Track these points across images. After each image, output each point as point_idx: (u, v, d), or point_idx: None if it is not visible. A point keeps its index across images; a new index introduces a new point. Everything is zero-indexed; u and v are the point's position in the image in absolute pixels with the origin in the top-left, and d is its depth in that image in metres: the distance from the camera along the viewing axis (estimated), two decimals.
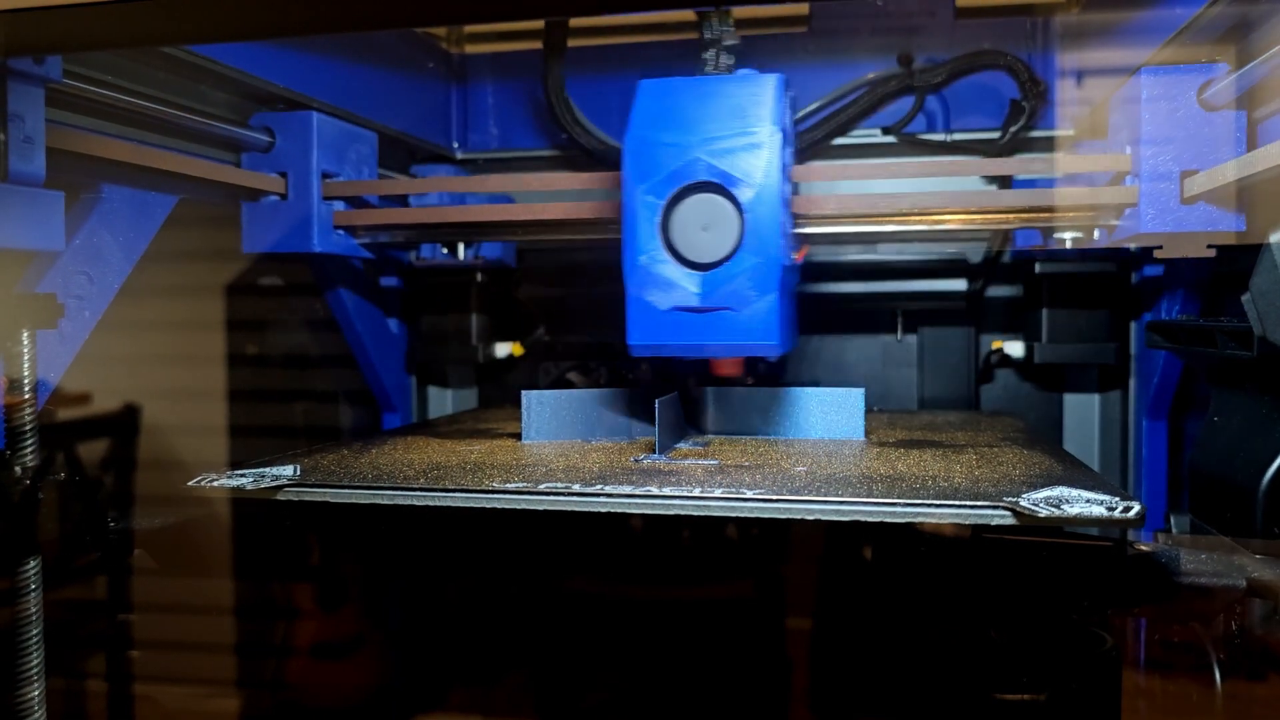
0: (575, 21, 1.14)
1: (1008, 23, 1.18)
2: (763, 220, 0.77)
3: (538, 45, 1.14)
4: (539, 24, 1.21)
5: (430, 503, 0.66)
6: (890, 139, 1.20)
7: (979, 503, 0.60)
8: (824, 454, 0.80)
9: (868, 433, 0.91)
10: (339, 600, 1.03)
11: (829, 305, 1.23)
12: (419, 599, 1.06)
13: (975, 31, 1.17)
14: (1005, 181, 1.16)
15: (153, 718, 0.93)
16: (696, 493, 0.64)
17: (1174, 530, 0.94)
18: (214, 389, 1.09)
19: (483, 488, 0.66)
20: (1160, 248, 0.94)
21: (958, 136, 1.19)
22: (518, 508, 0.65)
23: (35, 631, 0.71)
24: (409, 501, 0.66)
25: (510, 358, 1.30)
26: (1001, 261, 1.21)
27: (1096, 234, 1.01)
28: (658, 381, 0.94)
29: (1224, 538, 0.78)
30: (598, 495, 0.64)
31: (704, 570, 0.94)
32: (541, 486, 0.65)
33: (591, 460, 0.77)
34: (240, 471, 0.70)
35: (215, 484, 0.69)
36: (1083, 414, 1.22)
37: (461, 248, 1.22)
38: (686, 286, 0.78)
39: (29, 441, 0.71)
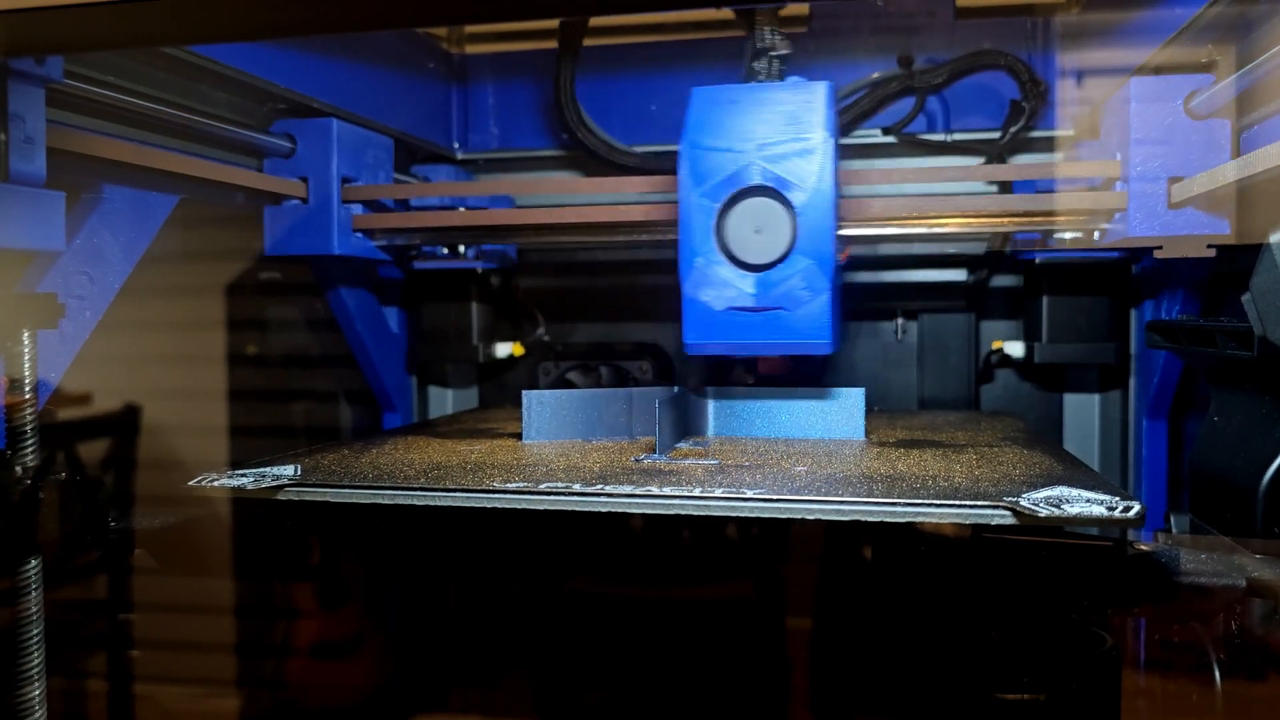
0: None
1: (1008, 23, 1.18)
2: (815, 223, 0.80)
3: (538, 45, 1.14)
4: (539, 24, 1.22)
5: (431, 503, 0.66)
6: (890, 139, 1.20)
7: (979, 503, 0.60)
8: (824, 454, 0.80)
9: (868, 433, 0.91)
10: (339, 600, 1.03)
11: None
12: (419, 599, 1.06)
13: (975, 31, 1.18)
14: (1006, 185, 1.16)
15: (153, 717, 0.93)
16: (697, 493, 0.64)
17: (1174, 530, 0.94)
18: (214, 389, 1.09)
19: (483, 487, 0.66)
20: (1160, 247, 0.95)
21: (958, 137, 1.19)
22: (518, 507, 0.65)
23: (36, 631, 0.71)
24: (409, 501, 0.66)
25: (510, 358, 1.30)
26: (1001, 262, 1.21)
27: (1097, 235, 1.01)
28: (706, 377, 0.96)
29: (1224, 538, 0.78)
30: (598, 495, 0.64)
31: (704, 570, 0.94)
32: (542, 486, 0.65)
33: (592, 460, 0.77)
34: (241, 471, 0.70)
35: (216, 484, 0.69)
36: (1083, 414, 1.23)
37: (462, 247, 1.22)
38: (741, 287, 0.81)
39: (29, 441, 0.71)
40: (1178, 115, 0.90)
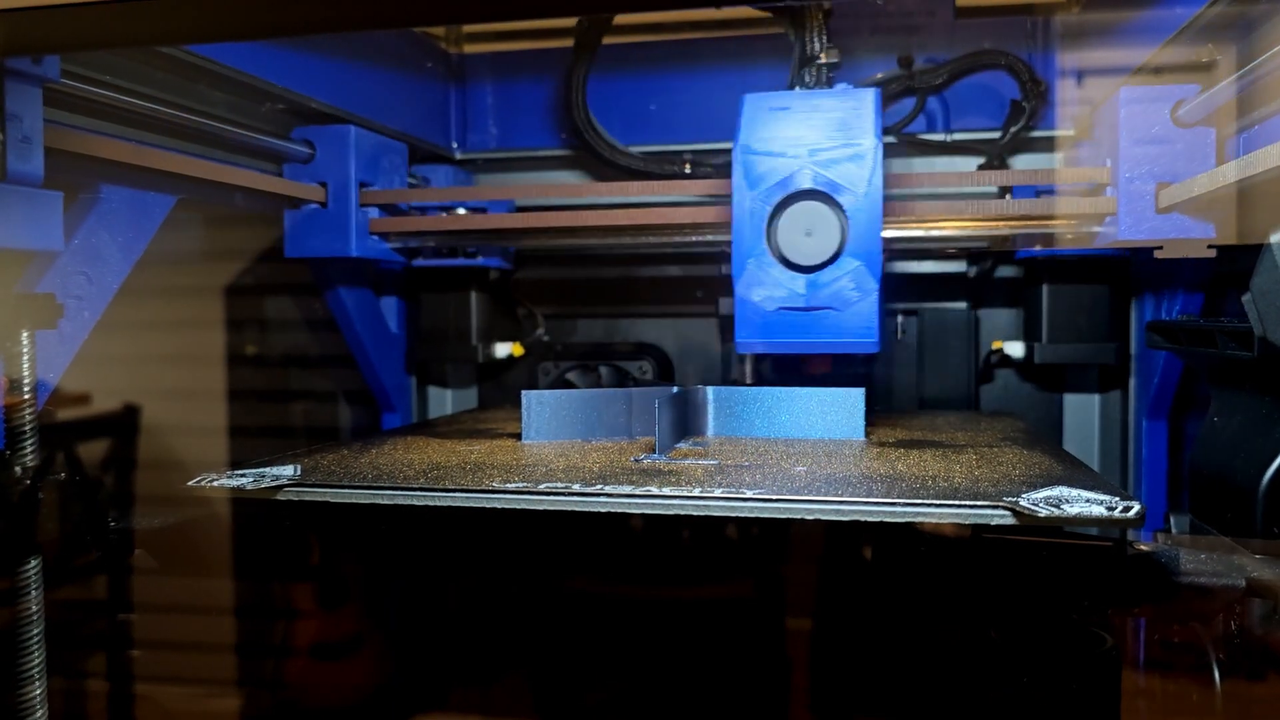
0: (572, 22, 1.14)
1: (1008, 23, 1.18)
2: (864, 225, 0.83)
3: (536, 45, 1.14)
4: (537, 24, 1.21)
5: (430, 503, 0.66)
6: (891, 139, 1.20)
7: (979, 503, 0.60)
8: (824, 454, 0.80)
9: (867, 433, 0.91)
10: (339, 600, 1.03)
11: None
12: (419, 599, 1.06)
13: (975, 31, 1.17)
14: (1005, 187, 1.16)
15: (153, 717, 0.93)
16: (696, 493, 0.64)
17: (1174, 530, 0.94)
18: (214, 389, 1.10)
19: (483, 488, 0.66)
20: (1160, 248, 0.95)
21: (958, 137, 1.19)
22: (518, 508, 0.65)
23: (36, 631, 0.71)
24: (409, 501, 0.66)
25: (510, 358, 1.30)
26: (1002, 262, 1.21)
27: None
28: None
29: (1224, 538, 0.78)
30: (598, 495, 0.64)
31: (704, 570, 0.94)
32: (541, 486, 0.65)
33: (591, 460, 0.77)
34: (240, 471, 0.70)
35: (215, 484, 0.69)
36: (1083, 414, 1.23)
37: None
38: (792, 288, 0.84)
39: (29, 441, 0.71)
40: (1165, 123, 0.93)
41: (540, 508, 0.64)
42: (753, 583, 0.94)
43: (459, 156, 1.31)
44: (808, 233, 0.83)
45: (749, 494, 0.63)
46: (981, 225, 1.00)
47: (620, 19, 1.19)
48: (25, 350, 0.71)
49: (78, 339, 0.78)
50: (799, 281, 0.84)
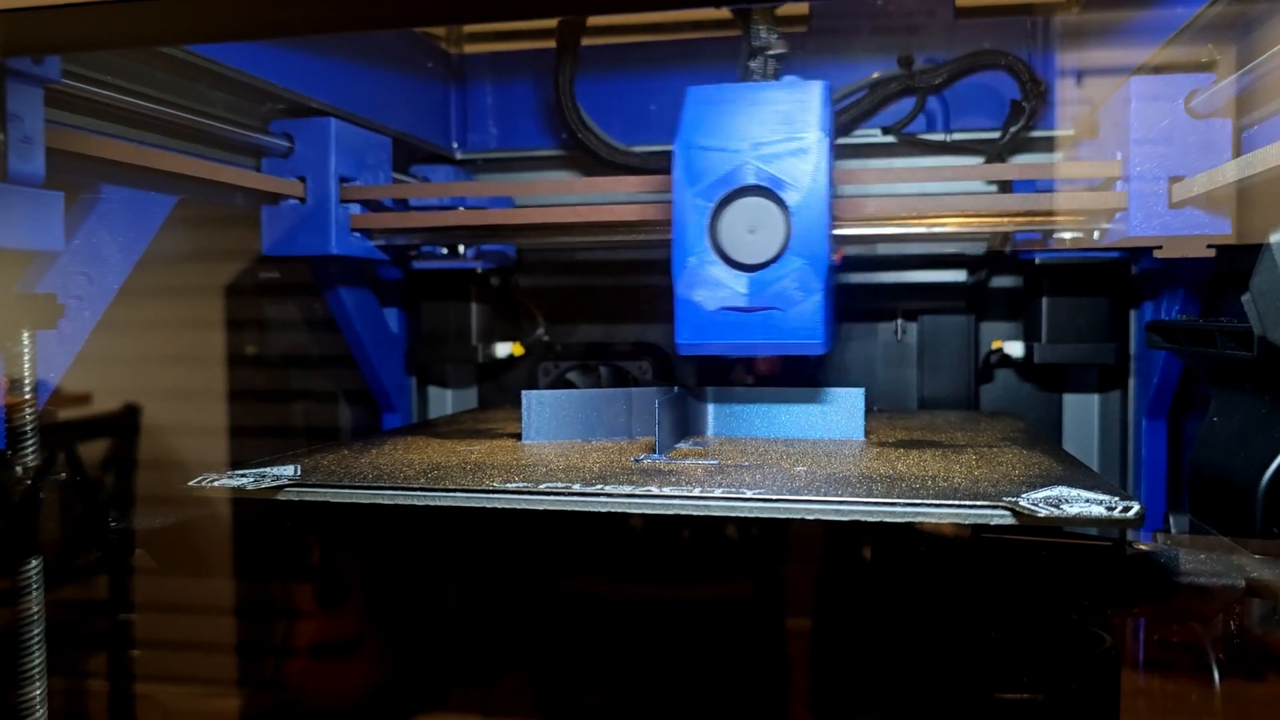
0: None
1: (1008, 22, 1.18)
2: (809, 223, 0.79)
3: (537, 45, 1.14)
4: (539, 24, 1.21)
5: (430, 503, 0.66)
6: (890, 139, 1.20)
7: (979, 503, 0.60)
8: (824, 454, 0.80)
9: (868, 433, 0.91)
10: (339, 600, 1.03)
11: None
12: (419, 599, 1.06)
13: (975, 31, 1.18)
14: (1006, 185, 1.16)
15: (153, 717, 0.93)
16: (696, 492, 0.64)
17: (1174, 530, 0.94)
18: (214, 389, 1.09)
19: (483, 488, 0.66)
20: (1160, 248, 0.95)
21: (958, 136, 1.19)
22: (518, 508, 0.65)
23: (37, 631, 0.71)
24: (409, 501, 0.66)
25: (510, 358, 1.30)
26: (1001, 262, 1.21)
27: (1096, 234, 1.01)
28: (701, 377, 0.96)
29: (1224, 538, 0.78)
30: (598, 495, 0.64)
31: (704, 570, 0.94)
32: (542, 486, 0.65)
33: (591, 460, 0.77)
34: (240, 472, 0.70)
35: (216, 484, 0.69)
36: (1083, 414, 1.23)
37: (461, 247, 1.22)
38: (734, 287, 0.80)
39: (30, 441, 0.71)
40: (1178, 114, 0.90)
41: (540, 508, 0.64)
42: (753, 583, 0.94)
43: (459, 157, 1.31)
44: (751, 230, 0.80)
45: (749, 494, 0.63)
46: (989, 221, 0.98)
47: (621, 20, 1.19)
48: (26, 350, 0.71)
49: (78, 339, 0.78)
50: (742, 281, 0.80)
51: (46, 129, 0.68)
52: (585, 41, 1.13)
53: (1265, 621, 0.73)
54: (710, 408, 0.94)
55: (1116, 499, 0.59)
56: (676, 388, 0.93)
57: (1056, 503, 0.59)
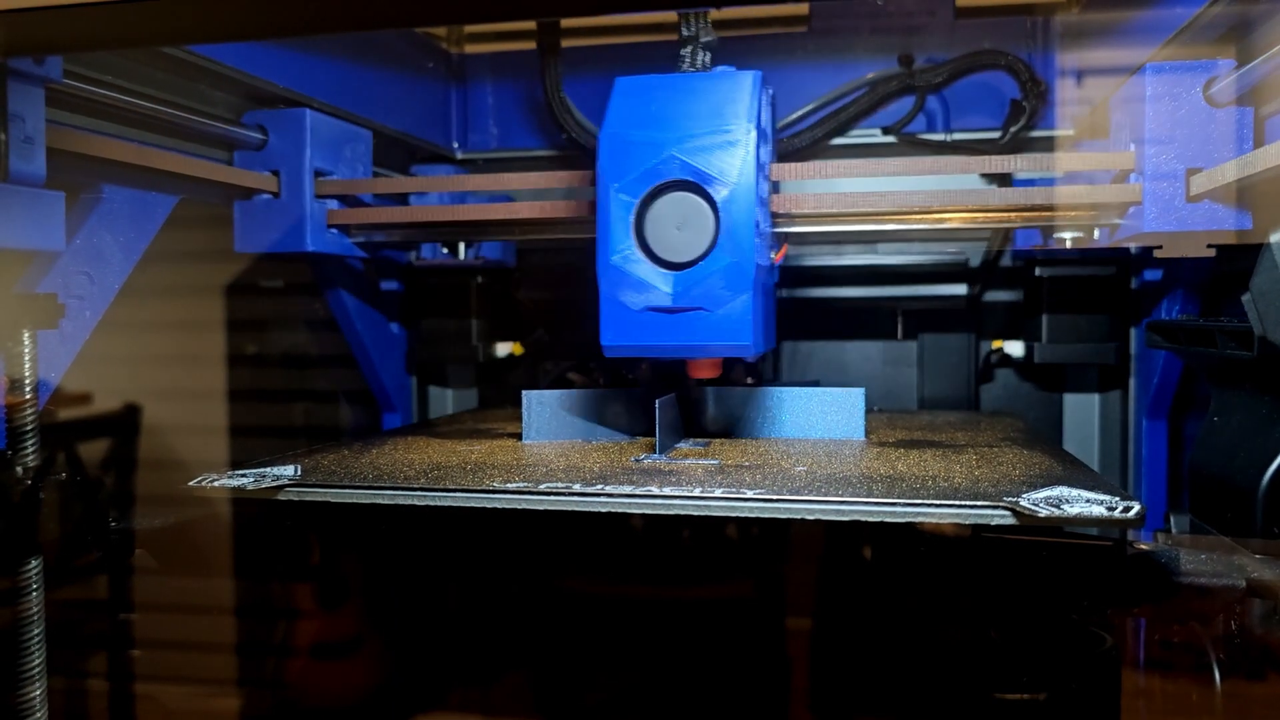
0: (577, 21, 1.14)
1: (1008, 22, 1.18)
2: (738, 219, 0.75)
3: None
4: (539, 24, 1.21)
5: (431, 503, 0.66)
6: (890, 139, 1.20)
7: (979, 503, 0.60)
8: (824, 454, 0.80)
9: (868, 433, 0.91)
10: (339, 600, 1.03)
11: (830, 306, 1.23)
12: (419, 599, 1.06)
13: (975, 31, 1.18)
14: (1005, 180, 1.16)
15: (153, 717, 0.93)
16: (697, 493, 0.64)
17: (1174, 530, 0.94)
18: (214, 389, 1.09)
19: (483, 488, 0.66)
20: (1160, 247, 0.94)
21: (958, 136, 1.19)
22: (518, 508, 0.65)
23: (37, 631, 0.71)
24: (409, 501, 0.66)
25: (510, 358, 1.30)
26: (1002, 262, 1.21)
27: (1097, 234, 1.01)
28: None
29: (1224, 538, 0.78)
30: (598, 495, 0.64)
31: (704, 570, 0.94)
32: (542, 486, 0.65)
33: (592, 460, 0.77)
34: (241, 472, 0.70)
35: (216, 484, 0.69)
36: (1083, 414, 1.23)
37: (462, 247, 1.22)
38: (660, 286, 0.76)
39: (30, 441, 0.71)
40: (1196, 102, 0.86)
41: (541, 508, 0.65)
42: (753, 583, 0.94)
43: (460, 156, 1.31)
44: (678, 227, 0.76)
45: (749, 494, 0.63)
46: (998, 216, 0.95)
47: (626, 20, 1.19)
48: (27, 350, 0.71)
49: (79, 339, 0.78)
50: (669, 280, 0.76)
51: (55, 130, 0.68)
52: (587, 42, 1.13)
53: (1265, 621, 0.73)
54: (711, 408, 0.94)
55: (1117, 499, 0.59)
56: (678, 388, 0.93)
57: (1057, 503, 0.59)
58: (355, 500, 0.67)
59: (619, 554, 0.91)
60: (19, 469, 0.71)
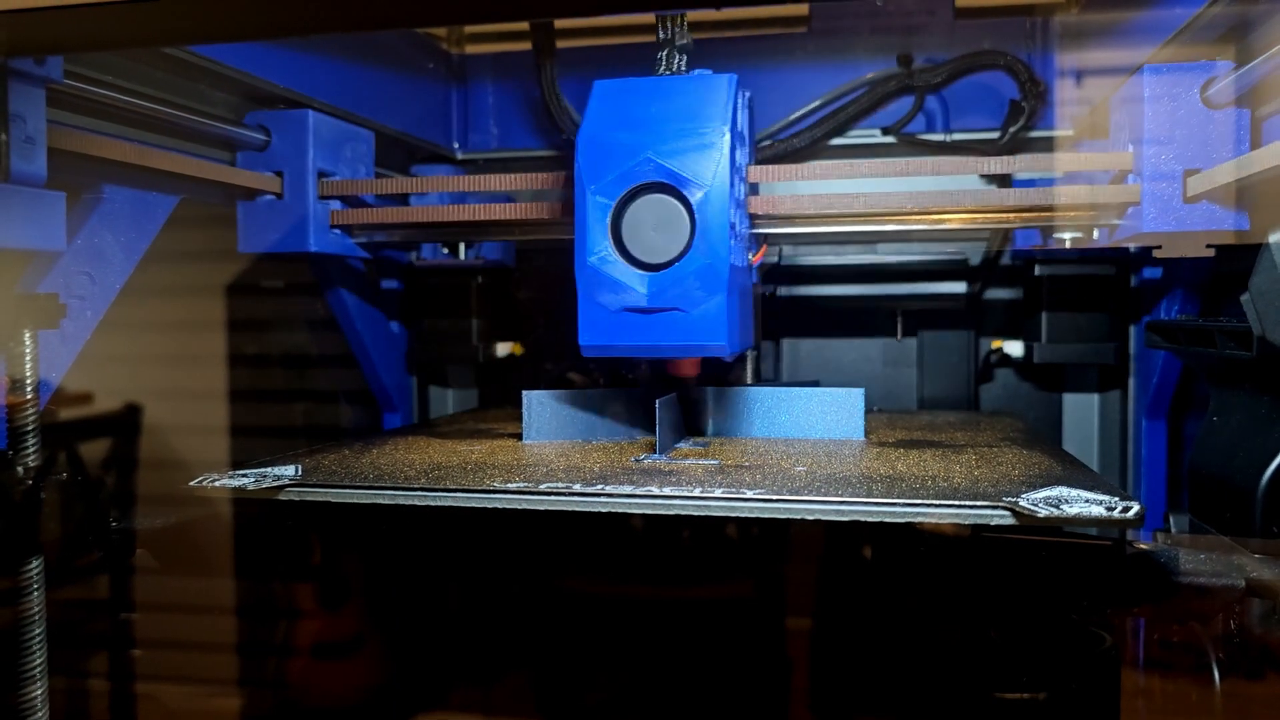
0: (578, 22, 1.14)
1: (1007, 23, 1.18)
2: (712, 221, 0.76)
3: None
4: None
5: (431, 503, 0.66)
6: (890, 139, 1.20)
7: (978, 503, 0.60)
8: (824, 454, 0.80)
9: (868, 433, 0.91)
10: (339, 600, 1.03)
11: (830, 305, 1.23)
12: (419, 599, 1.06)
13: (975, 31, 1.18)
14: (1005, 181, 1.16)
15: (154, 716, 0.93)
16: (697, 493, 0.64)
17: (1173, 530, 0.94)
18: (215, 389, 1.10)
19: (483, 488, 0.66)
20: (1160, 247, 0.94)
21: (957, 136, 1.19)
22: (518, 508, 0.65)
23: (38, 631, 0.72)
24: (410, 502, 0.66)
25: (510, 358, 1.30)
26: (1002, 262, 1.21)
27: (1096, 234, 1.01)
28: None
29: (1223, 537, 0.78)
30: (598, 495, 0.64)
31: (704, 570, 0.94)
32: (542, 486, 0.65)
33: (592, 460, 0.77)
34: (242, 472, 0.71)
35: (217, 484, 0.69)
36: (1082, 414, 1.23)
37: (462, 248, 1.22)
38: (636, 287, 0.77)
39: (31, 441, 0.71)
40: (1194, 104, 0.86)
41: (541, 508, 0.65)
42: (753, 583, 0.94)
43: (460, 156, 1.31)
44: (654, 229, 0.76)
45: (749, 494, 0.63)
46: (995, 217, 0.95)
47: (628, 20, 1.19)
48: (28, 350, 0.71)
49: (80, 339, 0.79)
50: (644, 280, 0.77)
51: (55, 130, 0.68)
52: (589, 41, 1.13)
53: (1265, 621, 0.73)
54: (710, 408, 0.95)
55: (1116, 499, 0.59)
56: (676, 388, 0.93)
57: (1056, 503, 0.59)
58: (356, 500, 0.67)
59: (619, 554, 0.92)
60: (20, 469, 0.71)
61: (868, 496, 0.62)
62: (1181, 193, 0.87)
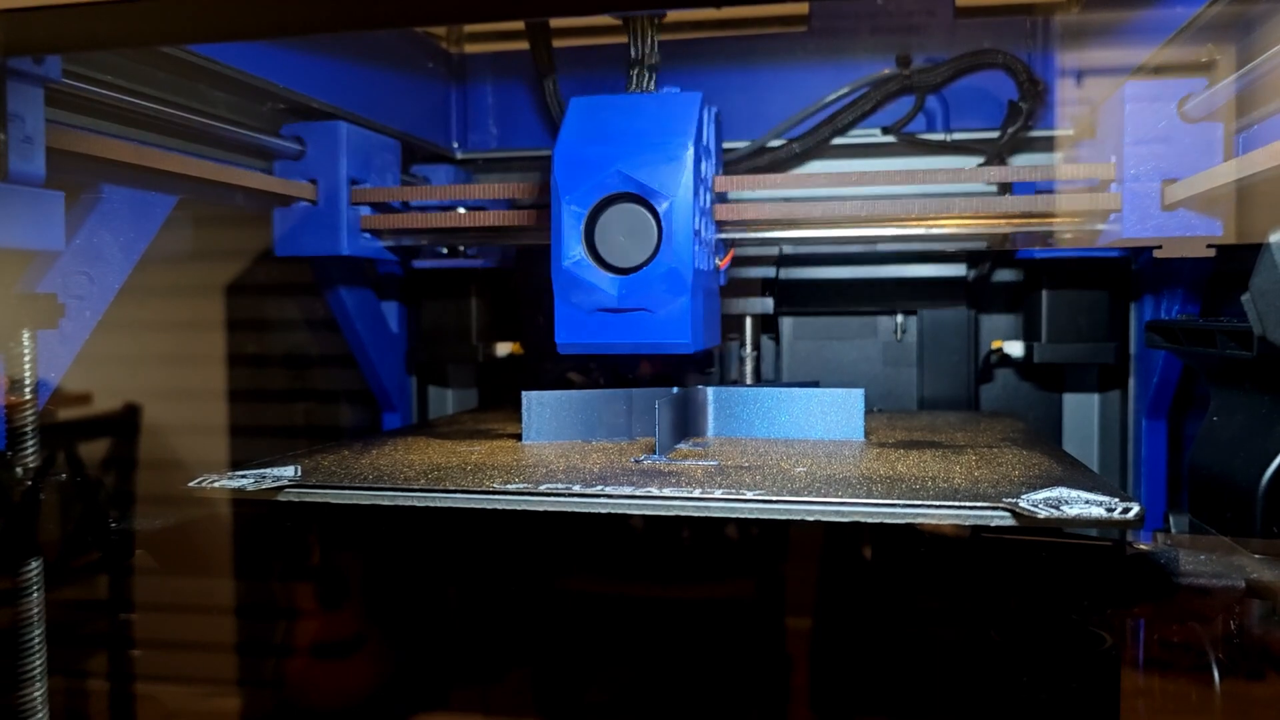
0: (579, 21, 1.14)
1: (1007, 22, 1.18)
2: (678, 228, 0.82)
3: None
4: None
5: (431, 504, 0.66)
6: (890, 139, 1.20)
7: (978, 503, 0.60)
8: (824, 454, 0.80)
9: (867, 433, 0.91)
10: (339, 600, 1.03)
11: (829, 306, 1.23)
12: (419, 599, 1.06)
13: (975, 31, 1.18)
14: (1005, 186, 1.16)
15: (154, 716, 0.93)
16: (697, 493, 0.64)
17: (1173, 530, 0.94)
18: (214, 389, 1.09)
19: (483, 489, 0.66)
20: (1160, 247, 0.95)
21: (957, 136, 1.19)
22: (518, 509, 0.65)
23: (37, 631, 0.71)
24: (410, 502, 0.66)
25: (510, 358, 1.30)
26: (1002, 262, 1.21)
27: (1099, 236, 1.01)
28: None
29: (1223, 538, 0.78)
30: (598, 496, 0.64)
31: (704, 570, 0.94)
32: (542, 487, 0.65)
33: (592, 461, 0.77)
34: (241, 472, 0.71)
35: (216, 485, 0.69)
36: (1082, 414, 1.23)
37: (462, 247, 1.22)
38: (607, 289, 0.83)
39: (30, 442, 0.71)
40: (1171, 118, 0.92)
41: (541, 509, 0.65)
42: (753, 583, 0.94)
43: (460, 156, 1.31)
44: (624, 235, 0.83)
45: (749, 495, 0.63)
46: (984, 223, 0.99)
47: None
48: (26, 350, 0.71)
49: (79, 339, 0.78)
50: (615, 283, 0.84)
51: (55, 129, 0.68)
52: (589, 41, 1.13)
53: (1265, 621, 0.73)
54: (710, 408, 0.95)
55: (1116, 500, 0.59)
56: (676, 388, 0.93)
57: (1056, 504, 0.59)
58: (356, 501, 0.67)
59: (619, 554, 0.92)
60: (19, 469, 0.71)
61: (867, 497, 0.62)
62: (1160, 201, 0.92)
